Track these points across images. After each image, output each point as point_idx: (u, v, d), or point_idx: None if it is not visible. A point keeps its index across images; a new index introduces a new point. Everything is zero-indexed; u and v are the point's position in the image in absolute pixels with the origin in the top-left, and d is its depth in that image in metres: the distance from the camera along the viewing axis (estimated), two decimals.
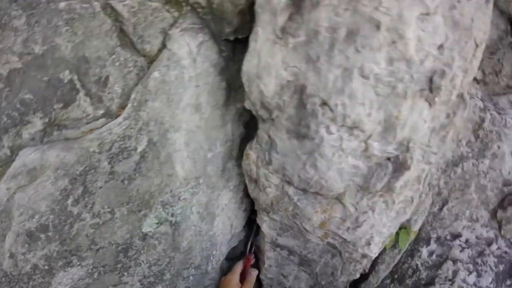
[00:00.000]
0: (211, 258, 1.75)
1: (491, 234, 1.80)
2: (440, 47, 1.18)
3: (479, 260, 1.83)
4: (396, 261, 1.86)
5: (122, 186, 1.41)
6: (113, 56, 1.35)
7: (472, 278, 1.84)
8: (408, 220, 1.75)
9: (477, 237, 1.80)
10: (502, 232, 1.78)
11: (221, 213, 1.72)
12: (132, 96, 1.38)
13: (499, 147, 1.70)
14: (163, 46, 1.39)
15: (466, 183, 1.75)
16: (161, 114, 1.41)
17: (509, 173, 1.73)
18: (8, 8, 1.25)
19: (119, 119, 1.37)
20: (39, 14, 1.25)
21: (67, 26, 1.27)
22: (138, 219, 1.47)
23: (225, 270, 1.88)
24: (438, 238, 1.84)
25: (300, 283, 1.93)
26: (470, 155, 1.74)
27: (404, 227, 1.75)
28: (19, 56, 1.26)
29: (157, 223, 1.52)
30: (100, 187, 1.38)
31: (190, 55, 1.40)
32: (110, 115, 1.39)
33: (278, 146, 1.43)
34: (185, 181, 1.54)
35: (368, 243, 1.59)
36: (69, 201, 1.34)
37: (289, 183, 1.50)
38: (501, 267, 1.82)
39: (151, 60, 1.40)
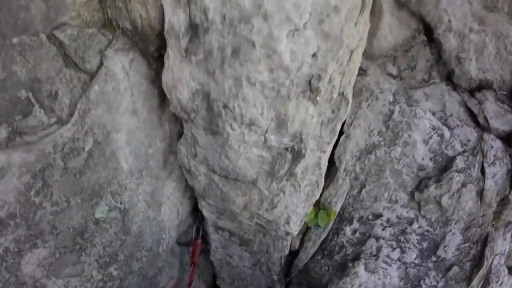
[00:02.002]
0: (161, 242, 2.11)
1: (411, 214, 2.08)
2: (314, 55, 1.47)
3: (402, 238, 2.11)
4: (321, 238, 2.17)
5: (74, 179, 1.77)
6: (60, 75, 1.70)
7: (396, 254, 2.13)
8: (329, 202, 2.07)
9: (397, 217, 2.08)
10: (422, 212, 2.05)
11: (167, 201, 2.08)
12: (78, 106, 1.73)
13: (409, 135, 1.96)
14: (101, 63, 1.74)
15: (380, 169, 2.02)
16: (103, 119, 1.77)
17: (423, 159, 1.98)
18: None
19: (69, 125, 1.74)
20: None
21: (20, 56, 1.60)
22: (91, 206, 1.83)
23: (177, 254, 2.24)
24: (360, 218, 2.13)
25: (244, 262, 2.27)
26: (382, 143, 2.00)
27: (323, 208, 2.07)
28: None
29: (107, 210, 1.88)
30: (57, 180, 1.74)
31: (123, 70, 1.75)
32: (61, 122, 1.74)
33: (199, 141, 1.77)
34: (129, 173, 1.90)
35: (287, 222, 1.91)
36: (32, 193, 1.70)
37: (214, 171, 1.85)
38: (424, 244, 2.09)
39: (92, 76, 1.75)
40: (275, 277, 2.32)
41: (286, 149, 1.68)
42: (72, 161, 1.76)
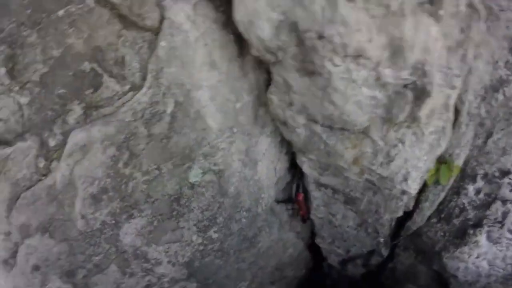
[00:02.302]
0: (260, 201, 1.93)
1: None
2: None
3: None
4: (440, 198, 1.78)
5: (162, 145, 1.62)
6: (122, 39, 1.51)
7: None
8: (450, 155, 1.64)
9: None
10: None
11: (263, 158, 1.86)
12: (149, 67, 1.53)
13: None
14: (162, 17, 1.49)
15: (510, 111, 1.55)
16: (180, 77, 1.55)
17: None
18: (18, 32, 1.50)
19: (144, 89, 1.57)
20: (45, 26, 1.47)
21: (72, 28, 1.47)
22: (183, 171, 1.69)
23: (276, 213, 2.07)
24: (485, 175, 1.69)
25: (348, 221, 2.00)
26: (511, 78, 1.51)
27: (445, 162, 1.65)
28: (43, 63, 1.51)
29: (202, 173, 1.73)
30: (143, 149, 1.61)
31: (188, 18, 1.48)
32: (136, 88, 1.58)
33: (293, 87, 1.46)
34: (220, 132, 1.69)
35: (405, 179, 1.56)
36: (120, 165, 1.61)
37: (315, 121, 1.54)
38: None
39: (156, 32, 1.52)
40: (381, 240, 2.02)
41: (406, 86, 1.30)
42: (156, 127, 1.60)
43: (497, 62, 1.50)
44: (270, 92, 1.60)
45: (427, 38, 1.18)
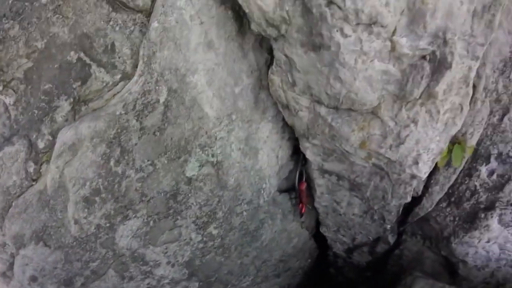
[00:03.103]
0: (262, 192, 1.79)
1: None
2: None
3: None
4: (451, 181, 1.66)
5: (155, 139, 1.45)
6: (111, 23, 1.35)
7: None
8: (463, 134, 1.53)
9: None
10: None
11: (264, 145, 1.71)
12: (141, 52, 1.36)
13: None
14: None
15: None
16: (173, 61, 1.38)
17: None
18: None
19: (135, 77, 1.39)
20: (28, 16, 1.30)
21: (56, 14, 1.30)
22: (179, 165, 1.53)
23: (279, 203, 1.93)
24: (499, 155, 1.58)
25: (354, 209, 1.88)
26: None
27: (457, 142, 1.53)
28: (27, 57, 1.34)
29: (199, 166, 1.56)
30: (136, 144, 1.44)
31: None
32: (127, 77, 1.41)
33: (297, 64, 1.31)
34: (217, 121, 1.53)
35: (416, 162, 1.43)
36: (112, 163, 1.44)
37: (319, 102, 1.40)
38: None
39: (149, 12, 1.35)
40: (388, 227, 1.91)
41: (423, 57, 1.17)
42: (148, 119, 1.43)
43: None
44: (271, 72, 1.45)
45: (452, 0, 1.05)
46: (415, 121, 1.32)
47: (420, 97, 1.25)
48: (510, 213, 1.62)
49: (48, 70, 1.37)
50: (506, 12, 1.32)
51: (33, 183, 1.45)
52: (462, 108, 1.32)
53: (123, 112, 1.41)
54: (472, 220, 1.70)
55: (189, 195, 1.60)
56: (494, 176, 1.62)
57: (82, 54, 1.37)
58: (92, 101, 1.43)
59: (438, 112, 1.29)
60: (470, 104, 1.49)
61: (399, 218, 1.89)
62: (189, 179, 1.58)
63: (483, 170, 1.63)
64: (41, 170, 1.45)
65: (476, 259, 1.77)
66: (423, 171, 1.48)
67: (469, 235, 1.71)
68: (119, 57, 1.40)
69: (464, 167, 1.65)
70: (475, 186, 1.66)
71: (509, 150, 1.57)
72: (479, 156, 1.62)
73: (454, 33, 1.10)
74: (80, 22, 1.33)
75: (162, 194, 1.56)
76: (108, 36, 1.37)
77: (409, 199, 1.69)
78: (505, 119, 1.52)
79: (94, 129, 1.39)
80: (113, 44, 1.38)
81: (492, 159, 1.60)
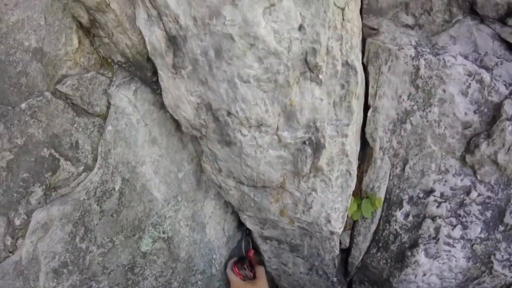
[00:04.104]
0: (213, 262, 1.99)
1: (467, 181, 1.69)
2: (301, 28, 1.23)
3: (461, 212, 1.73)
4: (372, 230, 1.86)
5: (113, 219, 1.72)
6: (75, 125, 1.70)
7: (457, 232, 1.74)
8: (371, 189, 1.77)
9: (452, 188, 1.71)
10: (479, 177, 1.66)
11: (210, 220, 1.96)
12: (99, 149, 1.70)
13: (444, 90, 1.58)
14: (109, 103, 1.70)
15: (420, 137, 1.68)
16: (125, 156, 1.71)
17: (466, 114, 1.58)
18: None
19: (95, 169, 1.71)
20: (10, 118, 1.60)
21: (33, 119, 1.63)
22: (135, 241, 1.77)
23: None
24: (410, 199, 1.79)
25: (299, 268, 2.04)
26: (416, 107, 1.65)
27: (366, 197, 1.77)
28: (9, 151, 1.63)
29: (152, 242, 1.81)
30: (97, 224, 1.71)
31: (130, 103, 1.68)
32: (89, 168, 1.73)
33: (218, 155, 1.62)
34: (165, 202, 1.81)
35: (328, 221, 1.66)
36: (77, 240, 1.69)
37: (241, 183, 1.68)
38: (488, 214, 1.69)
39: (104, 117, 1.72)
40: (334, 279, 2.05)
41: (304, 142, 1.46)
42: (106, 203, 1.72)
43: (400, 96, 1.65)
44: (203, 161, 1.75)
45: (313, 100, 1.34)
46: (314, 189, 1.57)
47: (310, 171, 1.51)
48: (434, 245, 1.75)
49: (26, 162, 1.65)
50: (387, 82, 1.65)
51: (10, 254, 1.65)
52: (350, 173, 1.57)
53: (86, 198, 1.70)
54: (402, 260, 1.84)
55: (145, 267, 1.81)
56: (410, 218, 1.79)
57: (52, 151, 1.68)
58: (60, 188, 1.72)
59: (330, 179, 1.54)
60: (371, 163, 1.74)
61: (342, 269, 2.02)
62: (144, 253, 1.81)
63: (398, 214, 1.81)
64: (17, 244, 1.66)
65: None
66: (337, 227, 1.69)
67: (403, 273, 1.82)
68: (82, 152, 1.72)
69: (382, 215, 1.84)
70: (396, 229, 1.84)
71: (418, 193, 1.77)
72: (392, 203, 1.82)
73: (323, 121, 1.39)
74: (51, 125, 1.66)
75: (121, 267, 1.77)
76: (73, 135, 1.70)
77: (337, 252, 1.85)
78: (406, 168, 1.75)
79: (63, 211, 1.67)
80: (77, 142, 1.71)
81: (404, 203, 1.80)
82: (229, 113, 1.42)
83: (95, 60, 1.72)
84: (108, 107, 1.71)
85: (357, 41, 1.39)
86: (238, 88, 1.34)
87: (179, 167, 1.84)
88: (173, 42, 1.37)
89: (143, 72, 1.64)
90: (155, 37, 1.37)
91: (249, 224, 1.91)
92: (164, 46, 1.39)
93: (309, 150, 1.46)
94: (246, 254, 2.09)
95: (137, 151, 1.73)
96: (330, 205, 1.61)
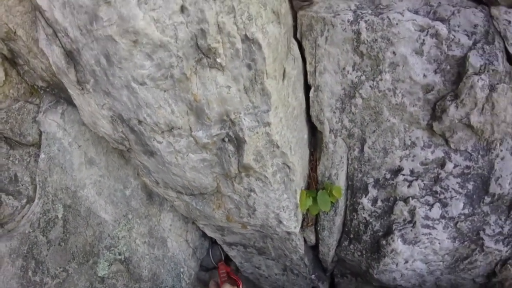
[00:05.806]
0: (182, 276, 1.81)
1: (439, 153, 1.41)
2: (182, 9, 1.02)
3: (437, 188, 1.45)
4: (337, 222, 1.61)
5: (61, 248, 1.59)
6: (11, 158, 1.59)
7: (436, 211, 1.46)
8: (328, 177, 1.53)
9: (422, 163, 1.44)
10: (452, 146, 1.38)
11: (170, 233, 1.79)
12: (36, 179, 1.59)
13: (394, 52, 1.32)
14: (40, 131, 1.58)
15: (375, 111, 1.42)
16: (63, 182, 1.58)
17: (425, 75, 1.31)
18: None
19: (36, 200, 1.60)
20: None
21: None
22: (90, 267, 1.63)
23: (205, 280, 1.92)
24: (376, 182, 1.53)
25: (273, 269, 1.83)
26: (363, 78, 1.39)
27: (322, 188, 1.52)
28: None
29: (108, 265, 1.66)
30: (46, 255, 1.58)
31: (59, 127, 1.55)
32: (32, 200, 1.61)
33: (149, 167, 1.45)
34: (115, 223, 1.66)
35: (280, 221, 1.44)
36: (30, 273, 1.57)
37: (180, 192, 1.50)
38: (470, 186, 1.41)
39: (39, 145, 1.60)
40: (312, 276, 1.82)
41: (223, 140, 1.26)
42: (52, 233, 1.59)
43: (344, 68, 1.41)
44: (141, 175, 1.59)
45: (219, 89, 1.14)
46: (252, 190, 1.36)
47: (240, 171, 1.30)
48: (411, 230, 1.50)
49: None
50: (327, 55, 1.41)
51: None
52: (288, 166, 1.35)
53: (31, 230, 1.58)
54: (377, 250, 1.60)
55: None
56: (379, 203, 1.54)
57: None
58: (7, 224, 1.62)
59: (266, 177, 1.32)
60: (323, 149, 1.51)
61: (320, 266, 1.79)
62: (102, 278, 1.66)
63: (365, 201, 1.56)
64: None
65: (409, 279, 1.62)
66: (292, 226, 1.47)
67: (382, 263, 1.59)
68: (22, 185, 1.61)
69: (347, 204, 1.60)
70: (365, 218, 1.59)
71: (384, 174, 1.51)
72: (356, 189, 1.57)
73: (237, 112, 1.18)
74: None
75: None
76: (11, 169, 1.60)
77: (301, 251, 1.63)
78: (365, 148, 1.50)
79: (10, 247, 1.56)
80: (15, 175, 1.60)
81: (370, 188, 1.55)
82: (139, 121, 1.25)
83: (24, 89, 1.60)
84: (40, 135, 1.59)
85: (257, 9, 1.15)
86: (137, 93, 1.17)
87: (125, 184, 1.69)
88: (71, 57, 1.22)
89: (66, 93, 1.50)
90: (55, 56, 1.23)
91: (208, 232, 1.74)
92: (64, 63, 1.24)
93: (230, 148, 1.26)
94: (216, 264, 1.90)
95: (74, 175, 1.60)
96: (276, 204, 1.39)
